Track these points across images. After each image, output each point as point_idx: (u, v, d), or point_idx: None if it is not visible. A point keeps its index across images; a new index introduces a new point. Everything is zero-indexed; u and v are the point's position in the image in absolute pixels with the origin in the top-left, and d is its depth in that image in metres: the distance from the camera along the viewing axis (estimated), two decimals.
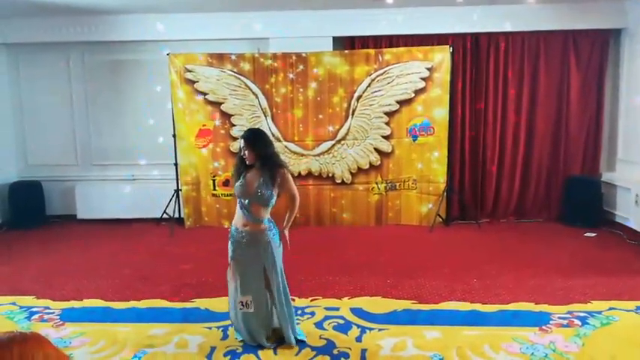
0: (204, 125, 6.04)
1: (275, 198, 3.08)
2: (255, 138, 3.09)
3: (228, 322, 3.43)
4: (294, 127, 6.05)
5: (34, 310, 3.73)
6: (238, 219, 3.10)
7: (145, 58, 6.39)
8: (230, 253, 3.12)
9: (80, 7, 5.80)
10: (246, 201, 3.04)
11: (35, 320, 3.55)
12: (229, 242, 3.13)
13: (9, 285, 4.24)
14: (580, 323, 3.37)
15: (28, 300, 3.91)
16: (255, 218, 3.04)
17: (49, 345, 1.17)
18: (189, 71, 5.94)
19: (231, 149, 6.04)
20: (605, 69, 6.06)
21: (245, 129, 5.88)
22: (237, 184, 3.07)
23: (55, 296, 3.96)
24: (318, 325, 3.40)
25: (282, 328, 3.12)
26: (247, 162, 3.04)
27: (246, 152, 3.02)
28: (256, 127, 5.89)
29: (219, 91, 5.99)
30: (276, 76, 5.98)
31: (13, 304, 3.85)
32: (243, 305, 3.05)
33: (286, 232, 3.16)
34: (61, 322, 3.51)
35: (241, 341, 3.17)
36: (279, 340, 3.15)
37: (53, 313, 3.67)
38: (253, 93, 6.00)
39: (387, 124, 6.02)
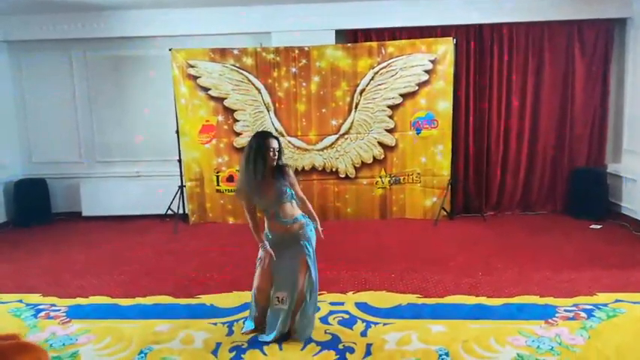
0: (207, 121, 6.03)
1: (292, 192, 3.07)
2: (279, 141, 3.07)
3: (233, 318, 3.45)
4: (297, 122, 6.03)
5: (41, 307, 3.75)
6: (275, 227, 3.07)
7: (148, 53, 6.38)
8: (263, 250, 3.10)
9: (82, 4, 5.79)
10: (275, 207, 3.03)
11: (42, 318, 3.57)
12: (265, 241, 3.10)
13: (15, 282, 4.27)
14: (586, 316, 3.35)
15: (35, 297, 3.93)
16: (291, 220, 3.04)
17: (44, 355, 1.19)
18: (192, 66, 5.92)
19: (235, 145, 6.03)
20: (610, 59, 5.99)
21: (248, 124, 6.00)
22: (257, 197, 3.01)
23: (61, 293, 3.98)
24: (323, 320, 3.40)
25: (301, 327, 3.11)
26: (274, 163, 3.00)
27: (275, 154, 2.98)
28: (263, 125, 5.91)
29: (222, 87, 5.97)
30: (279, 70, 5.95)
31: (20, 301, 3.87)
32: (279, 301, 3.06)
33: (319, 227, 3.16)
34: (67, 319, 3.53)
35: (250, 332, 3.18)
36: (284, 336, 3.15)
37: (59, 310, 3.69)
38: (256, 88, 5.98)
39: (391, 117, 5.99)
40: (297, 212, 3.08)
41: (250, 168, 2.96)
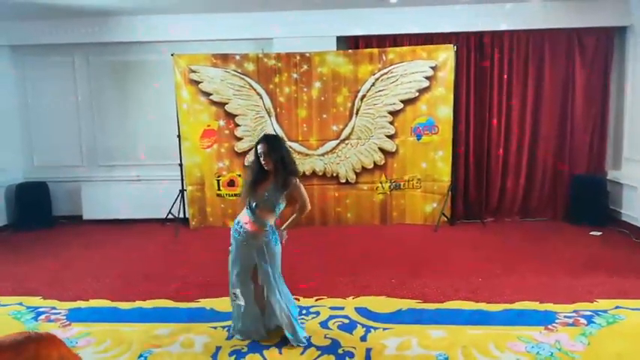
0: (208, 126, 6.06)
1: (282, 206, 3.12)
2: (271, 145, 3.06)
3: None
4: (298, 127, 6.06)
5: (41, 310, 3.75)
6: (243, 215, 3.15)
7: (150, 58, 6.42)
8: (231, 243, 3.19)
9: (85, 9, 5.83)
10: (254, 204, 3.08)
11: (42, 320, 3.58)
12: (231, 231, 3.20)
13: (16, 285, 4.28)
14: (586, 322, 3.35)
15: (35, 300, 3.94)
16: (260, 221, 3.06)
17: (63, 345, 1.19)
18: (194, 72, 5.96)
19: (236, 149, 6.06)
20: (610, 67, 6.02)
21: (249, 129, 6.02)
22: (251, 190, 3.09)
23: (61, 296, 3.99)
24: (323, 324, 3.41)
25: (284, 327, 3.14)
26: (266, 168, 3.04)
27: (264, 159, 3.01)
28: (264, 130, 5.92)
29: (224, 92, 6.00)
30: (280, 76, 5.99)
31: (20, 304, 3.88)
32: (235, 297, 3.13)
33: (284, 233, 3.21)
34: (67, 323, 3.53)
35: (243, 340, 3.19)
36: (282, 340, 3.16)
37: (60, 313, 3.70)
38: (257, 93, 6.01)
39: (391, 123, 6.01)
40: (271, 221, 3.11)
41: (252, 170, 3.15)
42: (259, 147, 3.05)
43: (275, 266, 3.14)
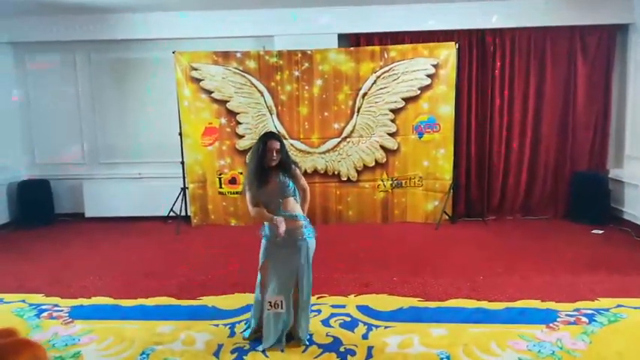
0: (210, 123, 6.06)
1: (297, 189, 3.11)
2: (280, 140, 3.07)
3: (235, 320, 3.46)
4: (299, 125, 6.05)
5: (43, 307, 3.76)
6: (271, 220, 3.05)
7: (151, 56, 6.42)
8: (263, 252, 3.11)
9: (86, 6, 5.83)
10: (277, 200, 3.04)
11: (44, 318, 3.59)
12: (263, 241, 3.12)
13: (18, 283, 4.28)
14: (587, 320, 3.35)
15: (37, 298, 3.95)
16: (291, 214, 3.04)
17: (39, 349, 1.19)
18: (195, 69, 5.95)
19: (237, 147, 6.06)
20: (612, 65, 6.01)
21: (250, 127, 6.02)
22: (259, 192, 3.03)
23: (63, 294, 4.00)
24: (325, 322, 3.41)
25: (301, 327, 3.11)
26: (273, 164, 3.01)
27: (275, 155, 2.99)
28: (266, 128, 5.91)
29: (225, 89, 6.00)
30: (282, 73, 5.98)
31: (23, 301, 3.89)
32: (271, 306, 3.01)
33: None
34: (69, 320, 3.54)
35: (250, 339, 3.17)
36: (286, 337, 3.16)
37: (62, 310, 3.70)
38: (259, 91, 6.01)
39: (393, 121, 6.01)
40: (299, 210, 3.09)
41: (251, 167, 3.05)
42: (270, 144, 3.00)
43: (309, 264, 3.07)
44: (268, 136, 3.08)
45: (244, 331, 3.29)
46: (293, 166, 3.12)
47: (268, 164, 3.01)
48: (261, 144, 3.02)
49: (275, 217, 3.00)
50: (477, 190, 6.35)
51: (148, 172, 6.56)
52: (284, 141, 3.16)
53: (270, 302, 3.01)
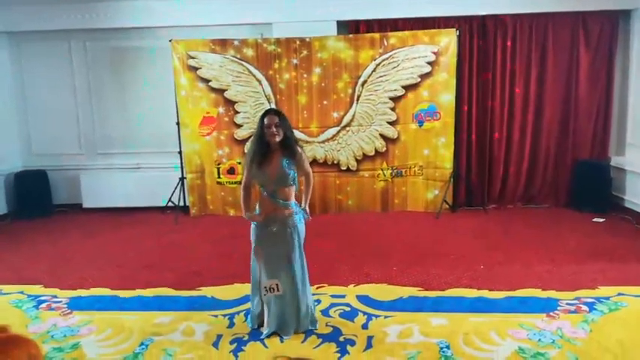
0: (207, 113, 6.00)
1: (296, 175, 3.07)
2: (280, 115, 3.01)
3: (234, 310, 3.45)
4: (298, 114, 5.99)
5: (42, 298, 3.75)
6: (265, 205, 3.04)
7: (148, 44, 6.33)
8: (253, 238, 3.10)
9: None
10: (273, 186, 3.01)
11: (43, 309, 3.58)
12: (252, 227, 3.11)
13: (16, 274, 4.27)
14: (588, 309, 3.34)
15: (36, 289, 3.94)
16: (284, 202, 3.02)
17: (33, 346, 1.17)
18: (192, 58, 5.88)
19: (236, 137, 6.00)
20: (614, 51, 5.93)
21: (249, 116, 5.96)
22: (258, 172, 3.00)
23: (62, 285, 3.99)
24: (325, 312, 3.40)
25: (301, 313, 3.11)
26: (277, 139, 2.95)
27: (274, 129, 2.93)
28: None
29: (223, 78, 5.93)
30: (280, 61, 5.91)
31: (21, 292, 3.88)
32: (267, 290, 3.01)
33: (307, 208, 3.18)
34: (68, 311, 3.53)
35: (255, 327, 3.16)
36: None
37: (61, 301, 3.70)
38: (257, 79, 5.94)
39: (393, 109, 5.95)
40: (293, 199, 3.08)
41: (253, 145, 3.05)
42: (268, 118, 2.95)
43: (301, 249, 3.09)
44: (267, 111, 3.06)
45: (247, 321, 3.28)
46: (299, 150, 3.05)
47: (269, 139, 2.96)
48: (260, 120, 3.01)
49: (252, 214, 3.06)
50: (478, 179, 6.31)
51: (146, 162, 6.51)
52: (287, 117, 3.09)
53: (265, 287, 3.02)
